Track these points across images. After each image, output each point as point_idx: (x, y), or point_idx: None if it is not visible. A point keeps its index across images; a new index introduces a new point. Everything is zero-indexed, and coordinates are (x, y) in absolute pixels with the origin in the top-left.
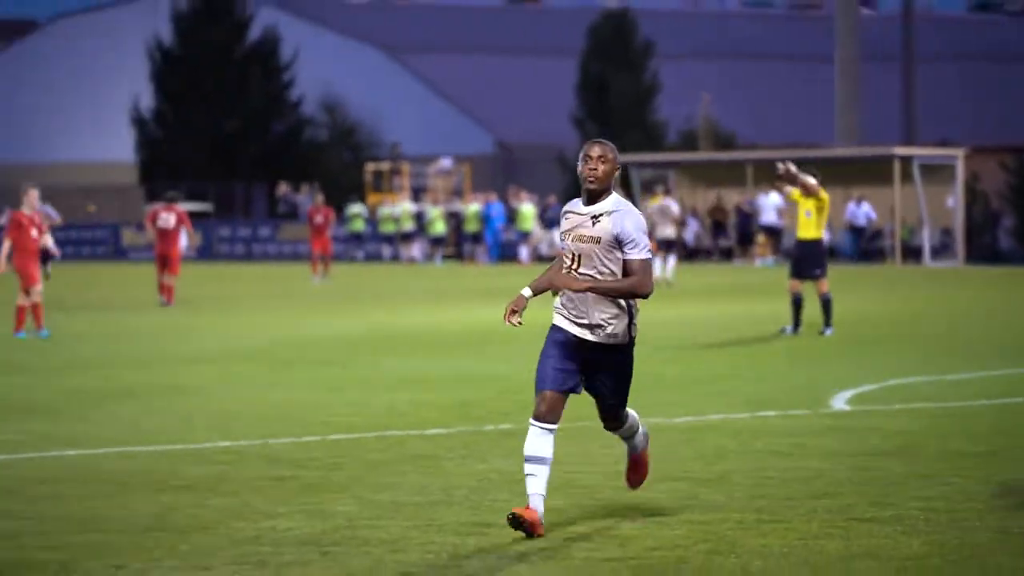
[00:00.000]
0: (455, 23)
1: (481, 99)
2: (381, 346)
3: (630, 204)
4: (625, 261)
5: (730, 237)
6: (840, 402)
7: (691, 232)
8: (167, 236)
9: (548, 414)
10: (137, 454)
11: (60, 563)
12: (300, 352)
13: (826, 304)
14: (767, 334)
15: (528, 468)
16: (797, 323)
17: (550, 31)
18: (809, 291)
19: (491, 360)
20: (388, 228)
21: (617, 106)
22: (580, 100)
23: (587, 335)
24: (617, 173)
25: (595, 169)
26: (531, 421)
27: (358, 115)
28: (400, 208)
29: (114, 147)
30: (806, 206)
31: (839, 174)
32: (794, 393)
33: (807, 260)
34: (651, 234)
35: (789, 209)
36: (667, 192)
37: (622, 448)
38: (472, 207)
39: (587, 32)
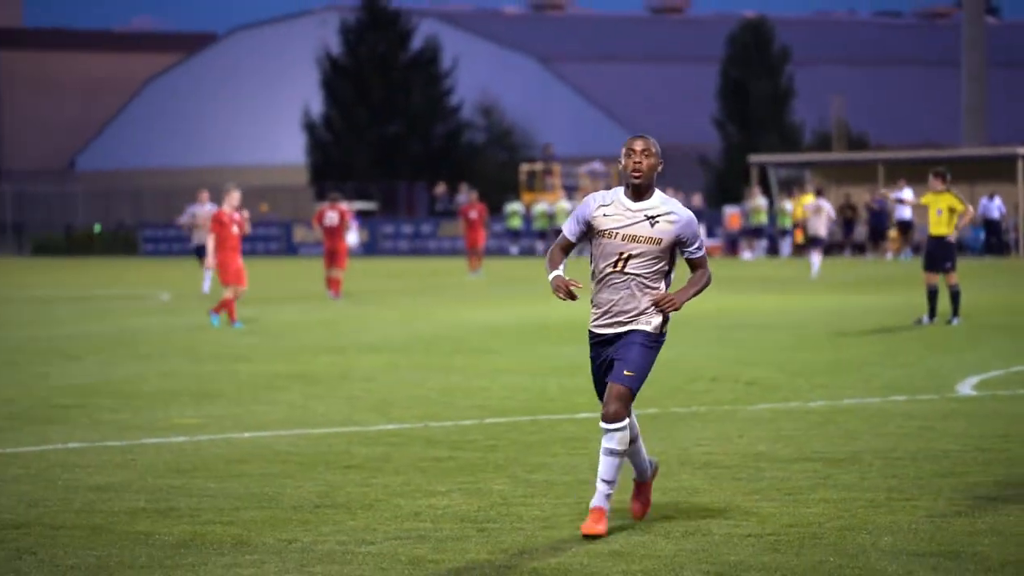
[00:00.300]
0: (603, 33)
1: (627, 103)
2: (533, 335)
3: (678, 202)
4: (693, 260)
5: (861, 233)
6: (967, 388)
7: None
8: (333, 233)
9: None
10: (307, 436)
11: (236, 537)
12: (458, 342)
13: (955, 296)
14: (902, 324)
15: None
16: (932, 313)
17: (692, 39)
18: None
19: None
20: (542, 224)
21: (755, 109)
22: (720, 104)
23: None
24: (660, 167)
25: (640, 163)
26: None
27: (513, 119)
28: (556, 206)
29: (286, 151)
30: (938, 205)
31: (966, 173)
32: (924, 379)
33: (939, 255)
34: (803, 230)
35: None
36: (819, 192)
37: (759, 430)
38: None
39: (727, 40)
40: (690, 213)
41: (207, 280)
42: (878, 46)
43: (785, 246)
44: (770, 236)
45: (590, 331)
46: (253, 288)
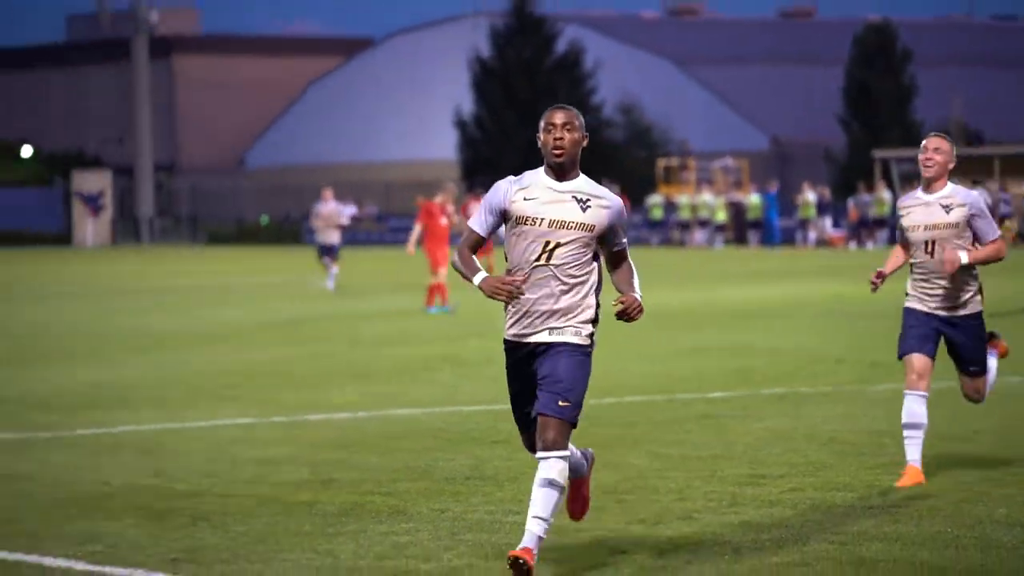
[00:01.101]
0: (735, 36)
1: (757, 102)
2: (664, 320)
3: (603, 187)
4: (618, 252)
5: None
6: None
7: None
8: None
9: None
10: (458, 413)
11: (393, 507)
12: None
13: None
14: (1015, 308)
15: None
16: None
17: (819, 42)
18: None
19: (764, 332)
20: (687, 214)
21: (878, 108)
22: (845, 102)
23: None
24: (585, 143)
25: (561, 139)
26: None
27: (651, 117)
28: (698, 199)
29: (438, 148)
30: None
31: None
32: None
33: None
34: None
35: None
36: (976, 183)
37: (881, 409)
38: (754, 197)
39: (852, 42)
40: (619, 199)
41: (331, 279)
42: (995, 48)
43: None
44: (892, 227)
45: (505, 340)
46: (408, 276)
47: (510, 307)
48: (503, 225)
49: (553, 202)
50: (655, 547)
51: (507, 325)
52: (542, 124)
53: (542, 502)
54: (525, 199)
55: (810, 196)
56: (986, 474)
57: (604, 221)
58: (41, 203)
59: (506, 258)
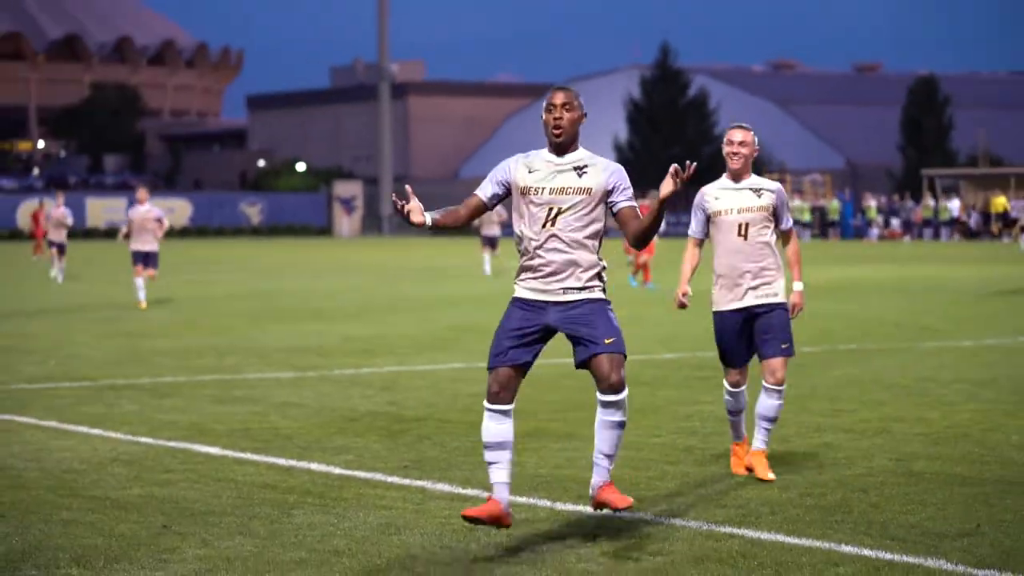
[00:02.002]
0: (820, 84)
1: (838, 133)
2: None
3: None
4: (625, 210)
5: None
6: None
7: (973, 220)
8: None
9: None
10: None
11: (565, 431)
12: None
13: None
14: None
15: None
16: None
17: (883, 89)
18: None
19: (841, 303)
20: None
21: (926, 138)
22: (902, 134)
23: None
24: (584, 120)
25: (560, 118)
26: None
27: (758, 143)
28: (803, 205)
29: None
30: None
31: None
32: None
33: None
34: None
35: None
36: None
37: (928, 361)
38: (834, 203)
39: (907, 90)
40: (618, 165)
41: (487, 263)
42: (1013, 94)
43: (945, 233)
44: (935, 226)
45: (518, 298)
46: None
47: (523, 272)
48: (507, 197)
49: (554, 173)
50: (703, 455)
51: (521, 285)
52: (544, 105)
53: (613, 440)
54: (529, 172)
55: (871, 203)
56: (1004, 409)
57: (602, 182)
58: (310, 205)
59: (515, 236)
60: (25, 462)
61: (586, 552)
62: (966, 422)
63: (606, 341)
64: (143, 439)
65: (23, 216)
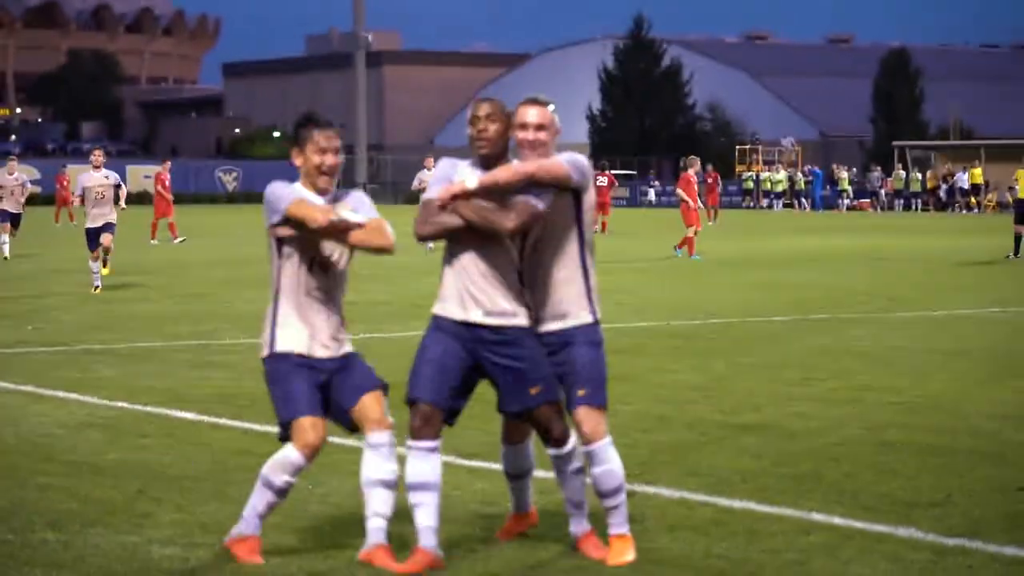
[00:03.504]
0: (794, 55)
1: (810, 104)
2: (742, 262)
3: None
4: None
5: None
6: None
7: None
8: (600, 192)
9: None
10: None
11: None
12: (694, 266)
13: None
14: (996, 258)
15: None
16: (1017, 251)
17: (856, 60)
18: None
19: (814, 272)
20: (768, 187)
21: (897, 110)
22: (873, 106)
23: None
24: (510, 136)
25: (484, 130)
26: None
27: (731, 114)
28: (778, 175)
29: (574, 134)
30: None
31: None
32: (1015, 298)
33: (1021, 211)
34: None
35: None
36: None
37: (898, 331)
38: (799, 175)
39: (880, 61)
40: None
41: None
42: (984, 66)
43: (915, 204)
44: (905, 197)
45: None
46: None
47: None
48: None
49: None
50: (732, 428)
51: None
52: (469, 117)
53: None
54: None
55: (843, 174)
56: (975, 378)
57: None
58: (286, 172)
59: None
60: (0, 427)
61: (558, 519)
62: (937, 392)
63: (531, 391)
64: (119, 404)
65: None
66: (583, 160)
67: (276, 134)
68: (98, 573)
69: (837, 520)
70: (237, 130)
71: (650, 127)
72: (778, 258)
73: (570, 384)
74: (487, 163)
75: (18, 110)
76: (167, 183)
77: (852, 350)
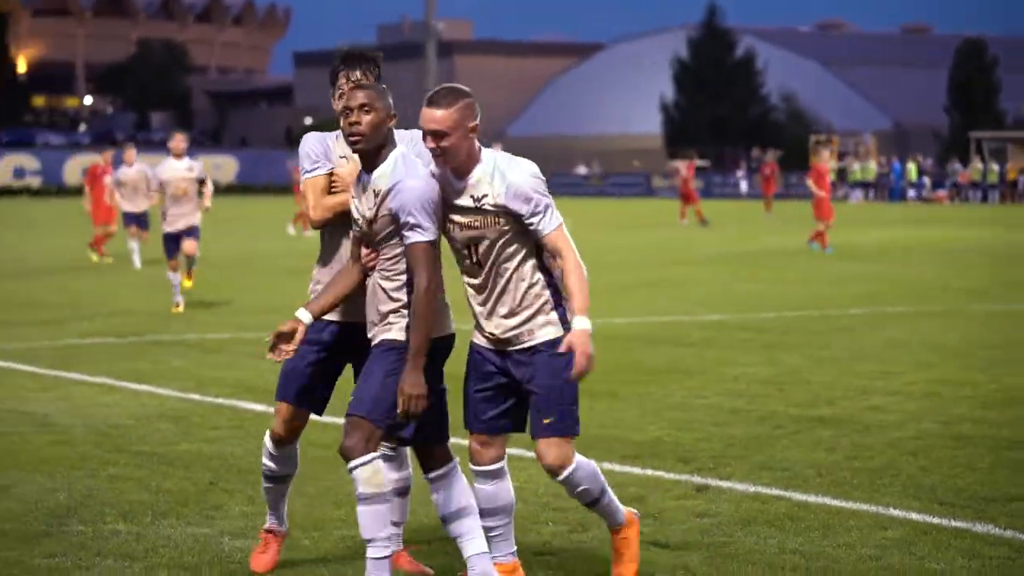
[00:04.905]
0: (868, 44)
1: (885, 94)
2: (813, 256)
3: (417, 165)
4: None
5: None
6: None
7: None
8: (684, 182)
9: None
10: (658, 322)
11: (608, 391)
12: (760, 257)
13: None
14: None
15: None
16: None
17: (932, 50)
18: None
19: (889, 264)
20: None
21: (973, 100)
22: (949, 97)
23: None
24: (393, 121)
25: (357, 123)
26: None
27: (804, 104)
28: (854, 166)
29: (647, 124)
30: None
31: None
32: None
33: None
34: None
35: None
36: None
37: (975, 324)
38: (873, 165)
39: (955, 51)
40: (417, 183)
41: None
42: None
43: (992, 196)
44: (982, 188)
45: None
46: (622, 218)
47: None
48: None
49: (358, 196)
50: (807, 422)
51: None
52: (341, 108)
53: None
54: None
55: (912, 165)
56: None
57: (388, 213)
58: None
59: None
60: (72, 418)
61: None
62: (1014, 386)
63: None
64: (190, 395)
65: (71, 172)
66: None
67: None
68: (170, 564)
69: (913, 515)
70: (308, 120)
71: (723, 117)
72: (852, 250)
73: (535, 409)
74: (364, 158)
75: (88, 100)
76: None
77: (928, 343)
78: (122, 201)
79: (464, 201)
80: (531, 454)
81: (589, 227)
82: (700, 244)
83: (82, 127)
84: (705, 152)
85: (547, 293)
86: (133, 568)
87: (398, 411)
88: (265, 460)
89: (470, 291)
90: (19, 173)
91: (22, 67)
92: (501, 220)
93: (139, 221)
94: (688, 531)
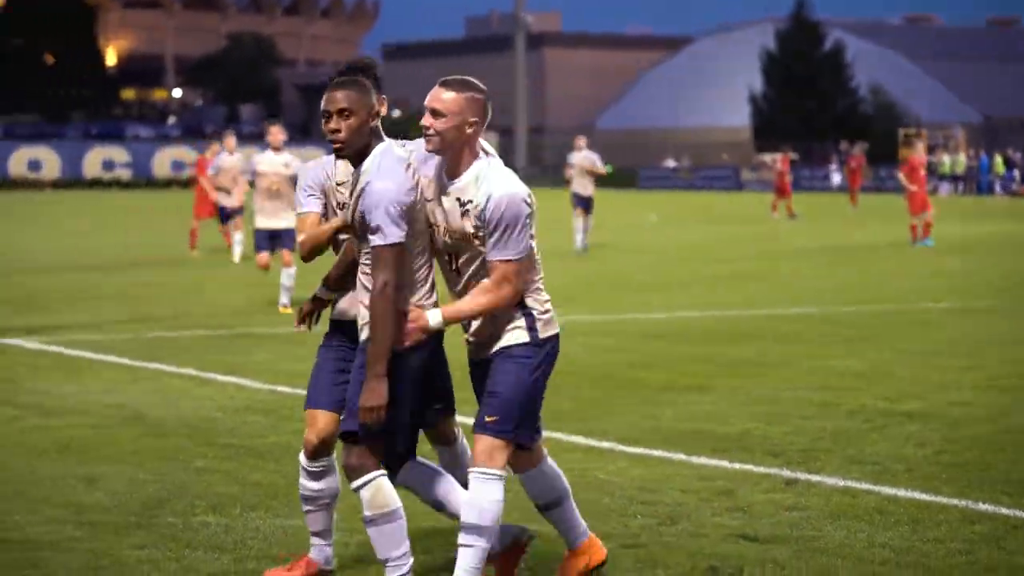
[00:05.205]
0: (956, 38)
1: (973, 86)
2: (900, 250)
3: (395, 165)
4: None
5: None
6: None
7: None
8: (779, 175)
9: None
10: (746, 316)
11: (699, 384)
12: (840, 252)
13: None
14: None
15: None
16: None
17: (1020, 43)
18: None
19: (978, 258)
20: (945, 171)
21: None
22: None
23: None
24: (375, 121)
25: (337, 130)
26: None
27: (893, 97)
28: (956, 158)
29: (736, 117)
30: None
31: None
32: None
33: None
34: None
35: None
36: None
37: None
38: (960, 158)
39: None
40: (386, 184)
41: (581, 236)
42: None
43: None
44: None
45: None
46: (708, 212)
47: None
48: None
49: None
50: (896, 416)
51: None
52: (322, 107)
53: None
54: (336, 184)
55: (998, 159)
56: None
57: (359, 215)
58: None
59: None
60: (162, 410)
61: (720, 506)
62: None
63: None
64: (279, 388)
65: (159, 165)
66: (522, 213)
67: None
68: (259, 557)
69: (1003, 510)
70: (396, 112)
71: (811, 110)
72: (941, 244)
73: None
74: (349, 159)
75: (177, 93)
76: None
77: (1017, 338)
78: (221, 195)
79: (449, 204)
80: (622, 447)
81: (678, 221)
82: (789, 238)
83: (171, 120)
84: (794, 145)
85: (520, 318)
86: (222, 560)
87: (359, 424)
88: (302, 480)
89: (450, 298)
90: (108, 165)
91: (112, 60)
92: (479, 231)
93: (237, 215)
94: (777, 525)
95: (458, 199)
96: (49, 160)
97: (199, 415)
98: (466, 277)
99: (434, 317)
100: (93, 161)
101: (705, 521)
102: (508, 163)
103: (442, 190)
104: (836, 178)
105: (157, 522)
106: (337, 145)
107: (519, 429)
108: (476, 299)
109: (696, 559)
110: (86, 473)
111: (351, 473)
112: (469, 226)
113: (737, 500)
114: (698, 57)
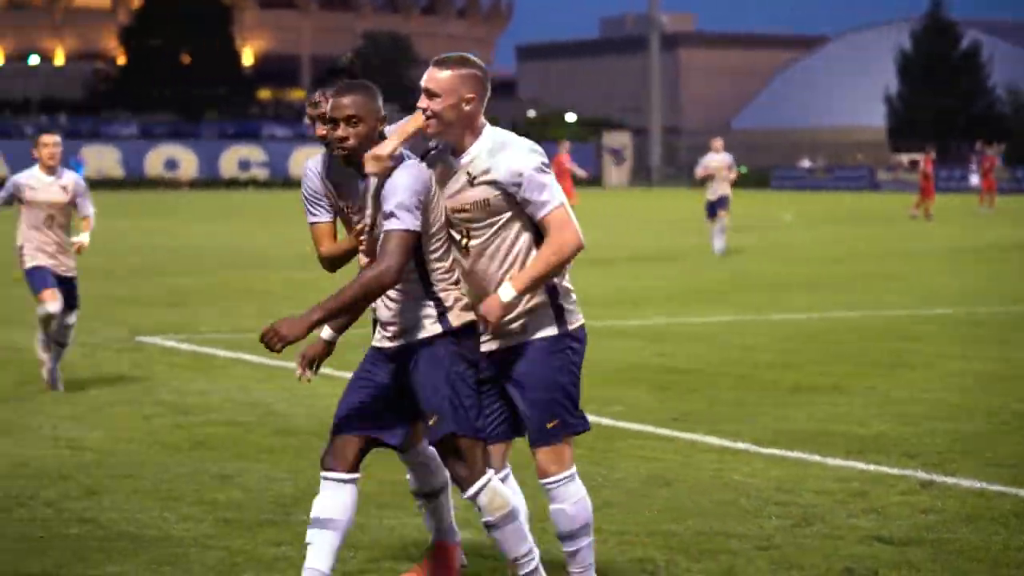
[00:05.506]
0: None
1: None
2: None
3: (405, 156)
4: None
5: None
6: None
7: None
8: (924, 176)
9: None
10: (880, 316)
11: (832, 384)
12: (982, 252)
13: None
14: None
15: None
16: None
17: None
18: None
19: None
20: None
21: None
22: None
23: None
24: (382, 126)
25: (345, 139)
26: None
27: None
28: None
29: (871, 117)
30: None
31: None
32: None
33: None
34: None
35: None
36: None
37: None
38: None
39: None
40: (402, 173)
41: (718, 238)
42: None
43: None
44: None
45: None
46: (845, 210)
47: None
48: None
49: (364, 201)
50: (973, 412)
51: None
52: (327, 112)
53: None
54: (336, 186)
55: None
56: None
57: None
58: (580, 154)
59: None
60: (294, 407)
61: (856, 508)
62: None
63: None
64: None
65: (296, 164)
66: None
67: (570, 117)
68: (393, 554)
69: None
70: (531, 112)
71: (947, 110)
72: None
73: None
74: (351, 165)
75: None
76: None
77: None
78: None
79: (459, 181)
80: (756, 447)
81: (813, 221)
82: (924, 238)
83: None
84: (934, 146)
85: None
86: (358, 557)
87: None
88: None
89: (461, 279)
90: (245, 165)
91: (248, 60)
92: (495, 200)
93: None
94: (912, 527)
95: (468, 173)
96: (186, 159)
97: (330, 412)
98: (473, 253)
99: (506, 292)
100: (230, 160)
101: (840, 523)
102: (643, 163)
103: (451, 171)
104: (974, 179)
105: (291, 520)
106: (345, 153)
107: (568, 426)
108: (540, 257)
109: (831, 561)
110: (220, 471)
111: (461, 483)
112: (481, 195)
113: (872, 502)
114: (833, 56)
